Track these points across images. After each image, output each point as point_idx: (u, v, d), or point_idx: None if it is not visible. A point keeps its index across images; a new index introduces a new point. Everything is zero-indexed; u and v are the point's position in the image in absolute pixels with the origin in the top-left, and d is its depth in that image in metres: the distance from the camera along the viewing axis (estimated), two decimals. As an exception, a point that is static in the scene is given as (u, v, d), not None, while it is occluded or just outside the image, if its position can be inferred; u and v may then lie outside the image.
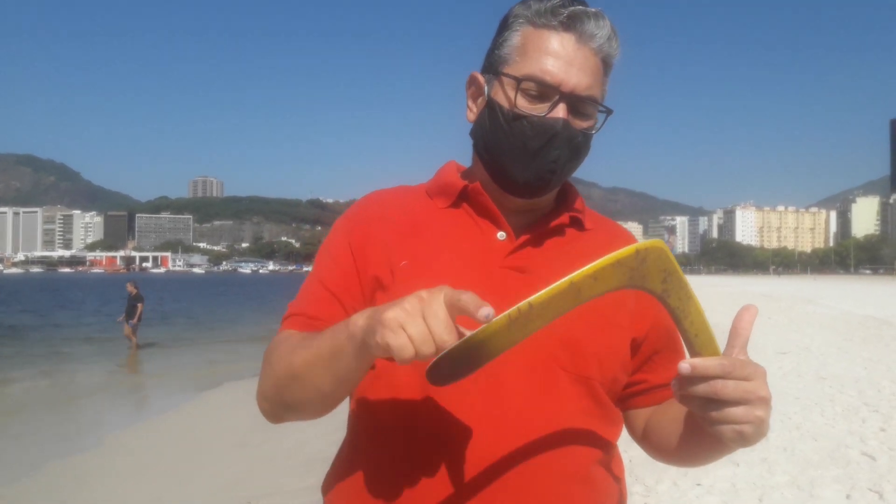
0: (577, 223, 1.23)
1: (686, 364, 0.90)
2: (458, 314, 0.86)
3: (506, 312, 0.86)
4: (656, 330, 1.20)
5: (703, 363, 0.90)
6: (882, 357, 11.98)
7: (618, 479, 1.20)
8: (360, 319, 0.93)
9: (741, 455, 5.89)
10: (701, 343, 0.93)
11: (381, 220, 1.20)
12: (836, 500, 4.81)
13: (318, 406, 1.07)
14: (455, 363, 0.92)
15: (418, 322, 0.85)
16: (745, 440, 0.92)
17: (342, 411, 1.23)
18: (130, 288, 17.79)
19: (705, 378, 0.89)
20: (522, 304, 0.85)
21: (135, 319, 17.43)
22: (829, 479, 5.23)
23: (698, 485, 5.12)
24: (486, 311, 0.82)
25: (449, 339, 0.84)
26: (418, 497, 1.07)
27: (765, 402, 0.91)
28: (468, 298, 0.85)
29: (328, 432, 7.18)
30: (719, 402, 0.89)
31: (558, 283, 0.85)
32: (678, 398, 0.94)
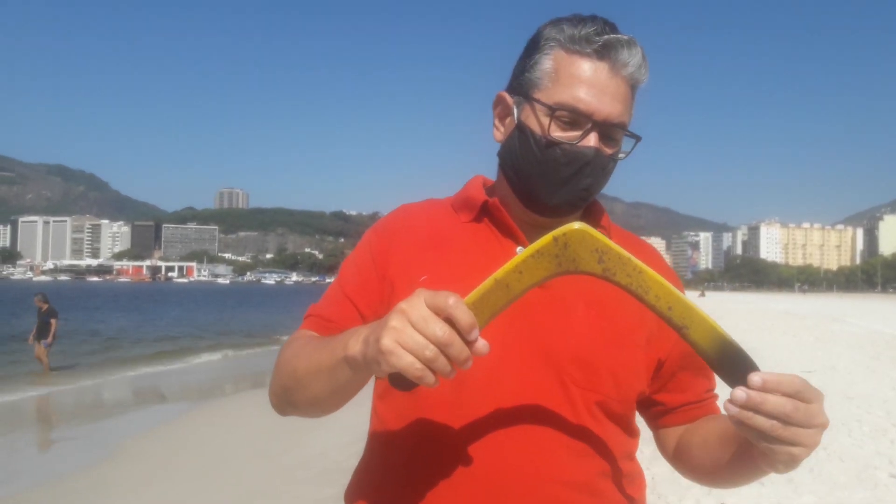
0: None
1: (758, 377, 0.83)
2: (439, 313, 0.84)
3: None
4: (679, 348, 1.18)
5: (777, 378, 0.83)
6: (911, 377, 11.76)
7: (631, 498, 1.18)
8: (356, 345, 0.92)
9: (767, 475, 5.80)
10: (679, 315, 0.86)
11: (406, 230, 1.23)
12: (864, 522, 4.73)
13: (317, 409, 1.12)
14: None
15: (409, 332, 0.82)
16: (794, 464, 0.90)
17: (362, 421, 1.23)
18: (39, 302, 14.74)
19: (777, 392, 0.83)
20: None
21: (49, 339, 14.55)
22: (856, 500, 5.14)
23: (722, 504, 5.06)
24: (452, 299, 0.82)
25: (442, 333, 0.82)
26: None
27: (824, 428, 0.89)
28: (442, 298, 0.83)
29: (347, 443, 7.19)
30: (785, 424, 0.84)
31: (485, 282, 0.89)
32: (731, 412, 0.84)
